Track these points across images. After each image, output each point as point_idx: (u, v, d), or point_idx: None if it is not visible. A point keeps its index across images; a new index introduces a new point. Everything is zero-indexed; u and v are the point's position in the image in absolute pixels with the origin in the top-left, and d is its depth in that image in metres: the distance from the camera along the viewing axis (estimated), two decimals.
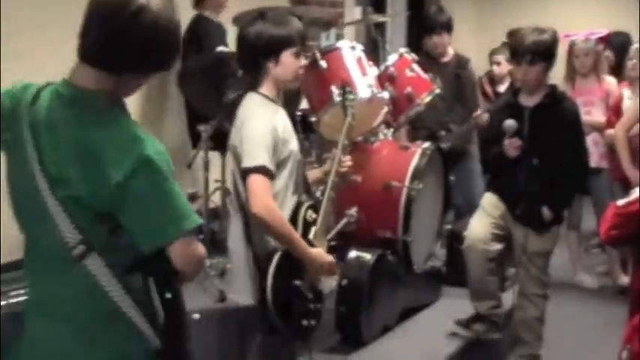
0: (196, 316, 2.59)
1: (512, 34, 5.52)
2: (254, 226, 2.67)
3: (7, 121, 1.77)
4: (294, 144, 2.75)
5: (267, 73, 2.74)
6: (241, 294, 2.75)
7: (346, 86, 3.17)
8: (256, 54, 2.73)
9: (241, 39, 2.79)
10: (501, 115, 3.65)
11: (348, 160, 2.96)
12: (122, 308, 1.73)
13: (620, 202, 2.50)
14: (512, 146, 3.47)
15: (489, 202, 3.68)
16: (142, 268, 1.76)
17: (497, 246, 3.62)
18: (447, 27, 4.91)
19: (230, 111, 3.02)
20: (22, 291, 2.78)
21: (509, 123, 3.47)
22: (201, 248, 1.78)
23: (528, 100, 3.58)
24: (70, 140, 1.70)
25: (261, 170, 2.59)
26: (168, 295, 1.77)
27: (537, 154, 3.49)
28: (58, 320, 1.78)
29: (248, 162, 2.61)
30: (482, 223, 3.65)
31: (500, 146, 3.51)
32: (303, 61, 2.83)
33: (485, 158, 3.86)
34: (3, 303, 2.81)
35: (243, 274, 2.73)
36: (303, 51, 2.82)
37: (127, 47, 1.72)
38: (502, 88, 5.81)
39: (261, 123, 2.66)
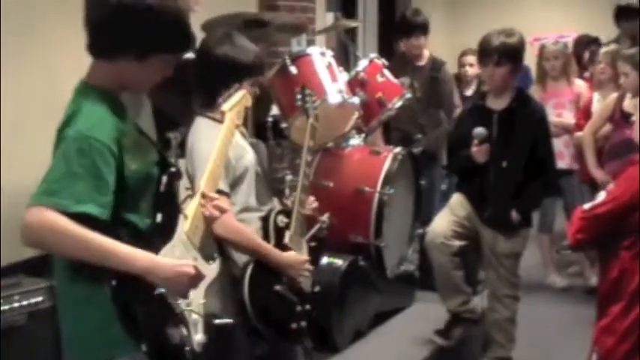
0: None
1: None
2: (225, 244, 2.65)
3: None
4: (248, 158, 2.73)
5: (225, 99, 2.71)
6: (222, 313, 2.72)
7: (305, 88, 3.13)
8: (218, 78, 2.69)
9: (205, 59, 2.74)
10: (469, 119, 3.68)
11: (312, 202, 2.92)
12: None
13: (586, 205, 2.52)
14: (480, 153, 3.50)
15: (456, 202, 3.70)
16: None
17: (458, 243, 3.63)
18: (424, 29, 4.93)
19: None
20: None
21: (479, 131, 3.49)
22: (35, 219, 1.75)
23: (496, 104, 3.60)
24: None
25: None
26: (113, 283, 1.82)
27: (506, 157, 3.51)
28: (63, 298, 1.98)
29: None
30: (444, 219, 3.67)
31: (469, 150, 3.52)
32: (256, 91, 2.80)
33: (453, 161, 3.88)
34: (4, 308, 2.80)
35: (222, 295, 2.71)
36: (257, 82, 2.80)
37: (102, 29, 1.87)
38: (469, 91, 5.85)
39: (208, 145, 2.56)
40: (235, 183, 2.66)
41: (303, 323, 2.71)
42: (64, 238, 1.76)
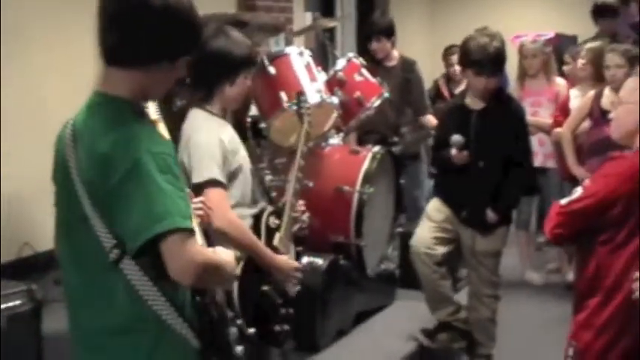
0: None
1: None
2: (216, 239, 2.65)
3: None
4: (242, 154, 2.75)
5: (221, 91, 2.74)
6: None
7: (301, 94, 3.18)
8: (215, 72, 2.72)
9: (200, 53, 2.74)
10: (449, 118, 3.69)
11: (301, 205, 2.94)
12: (157, 311, 1.74)
13: (563, 201, 2.54)
14: (459, 158, 3.51)
15: (433, 208, 3.71)
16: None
17: (442, 249, 3.63)
18: (386, 32, 4.91)
19: (178, 119, 2.99)
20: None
21: (456, 138, 3.49)
22: (188, 252, 1.67)
23: (475, 103, 3.60)
24: (90, 146, 1.73)
25: (214, 183, 2.58)
26: (197, 298, 1.80)
27: (483, 156, 3.51)
28: (94, 328, 1.80)
29: (198, 177, 2.60)
30: (425, 228, 3.67)
31: (448, 151, 3.53)
32: (249, 83, 2.84)
33: (435, 161, 3.89)
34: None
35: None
36: (250, 74, 2.85)
37: (143, 35, 1.74)
38: (459, 89, 5.84)
39: (206, 136, 2.65)
40: (230, 177, 2.67)
41: (286, 327, 2.72)
42: (220, 270, 1.79)
